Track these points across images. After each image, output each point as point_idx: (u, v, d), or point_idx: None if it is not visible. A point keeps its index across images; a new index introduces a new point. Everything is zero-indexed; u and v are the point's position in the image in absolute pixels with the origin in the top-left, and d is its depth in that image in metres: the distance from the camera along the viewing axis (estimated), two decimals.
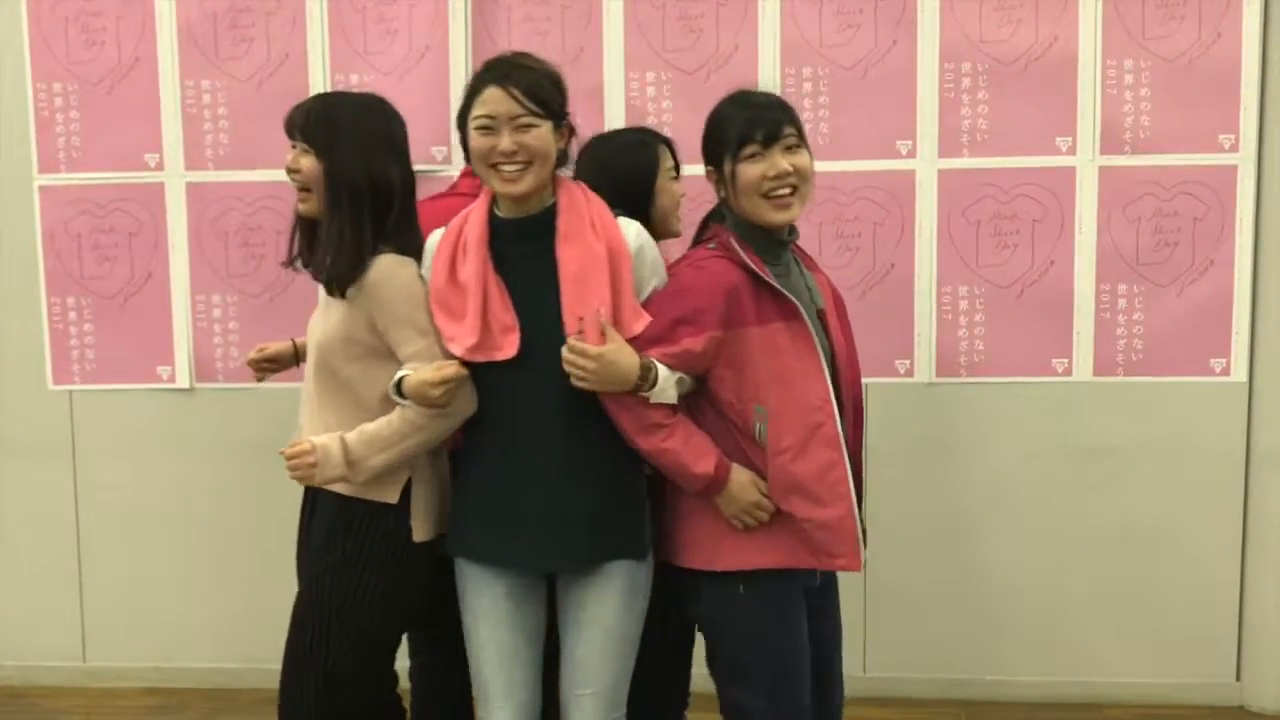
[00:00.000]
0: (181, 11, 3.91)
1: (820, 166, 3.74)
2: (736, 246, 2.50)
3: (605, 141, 2.88)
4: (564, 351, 2.40)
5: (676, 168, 2.86)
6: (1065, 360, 3.84)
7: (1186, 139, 3.74)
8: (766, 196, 2.47)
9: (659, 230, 2.75)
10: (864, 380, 3.83)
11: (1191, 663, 3.93)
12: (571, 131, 2.58)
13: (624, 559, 2.54)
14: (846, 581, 3.83)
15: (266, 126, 3.89)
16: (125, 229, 4.00)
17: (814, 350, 2.50)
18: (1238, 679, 3.93)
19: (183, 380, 4.04)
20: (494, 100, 2.45)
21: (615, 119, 3.76)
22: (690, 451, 2.48)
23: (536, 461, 2.51)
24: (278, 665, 3.97)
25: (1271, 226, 3.75)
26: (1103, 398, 3.84)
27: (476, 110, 2.48)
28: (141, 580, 4.14)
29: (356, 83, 3.85)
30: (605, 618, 2.55)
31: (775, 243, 2.56)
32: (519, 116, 2.44)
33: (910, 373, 3.87)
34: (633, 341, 2.44)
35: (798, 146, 2.50)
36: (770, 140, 2.46)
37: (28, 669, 4.21)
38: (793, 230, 2.58)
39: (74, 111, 3.98)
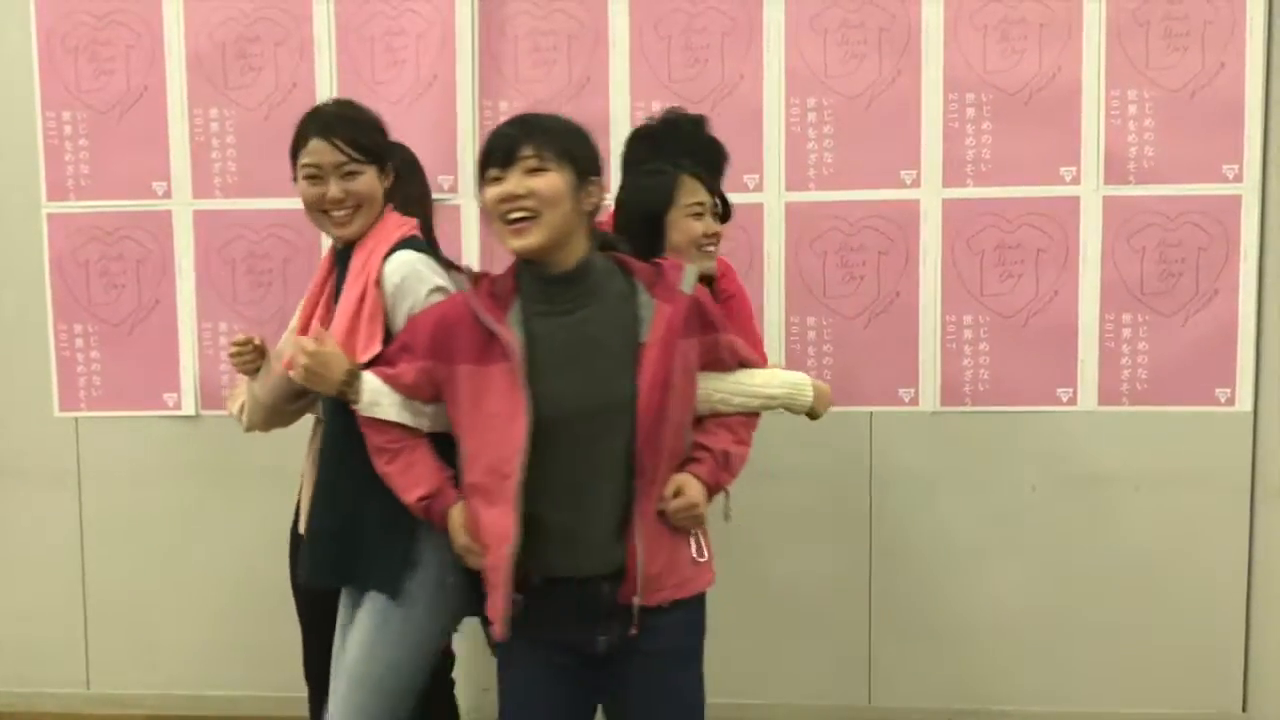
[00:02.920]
0: (190, 41, 3.94)
1: (825, 196, 3.81)
2: (469, 279, 2.44)
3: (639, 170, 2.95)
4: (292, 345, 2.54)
5: (720, 205, 2.90)
6: (1070, 390, 3.84)
7: (1190, 169, 3.75)
8: (503, 220, 2.34)
9: None
10: (869, 408, 3.87)
11: (1198, 693, 3.91)
12: (396, 171, 2.72)
13: (376, 590, 2.57)
14: (850, 609, 3.85)
15: (274, 155, 3.88)
16: (133, 256, 4.02)
17: (521, 396, 2.32)
18: (1244, 710, 3.91)
19: (189, 407, 4.05)
20: (318, 151, 2.62)
21: (620, 149, 3.77)
22: (404, 479, 2.49)
23: (318, 477, 2.65)
24: (282, 692, 4.00)
25: (1276, 256, 3.75)
26: (1107, 427, 3.84)
27: (303, 159, 2.65)
28: (146, 607, 4.13)
29: None
30: (353, 647, 2.58)
31: (544, 278, 2.38)
32: (344, 164, 2.60)
33: (915, 401, 3.87)
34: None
35: (540, 170, 2.32)
36: (508, 162, 2.33)
37: (31, 695, 4.20)
38: (585, 268, 2.38)
39: (83, 140, 4.00)
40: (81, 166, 4.00)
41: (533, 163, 2.32)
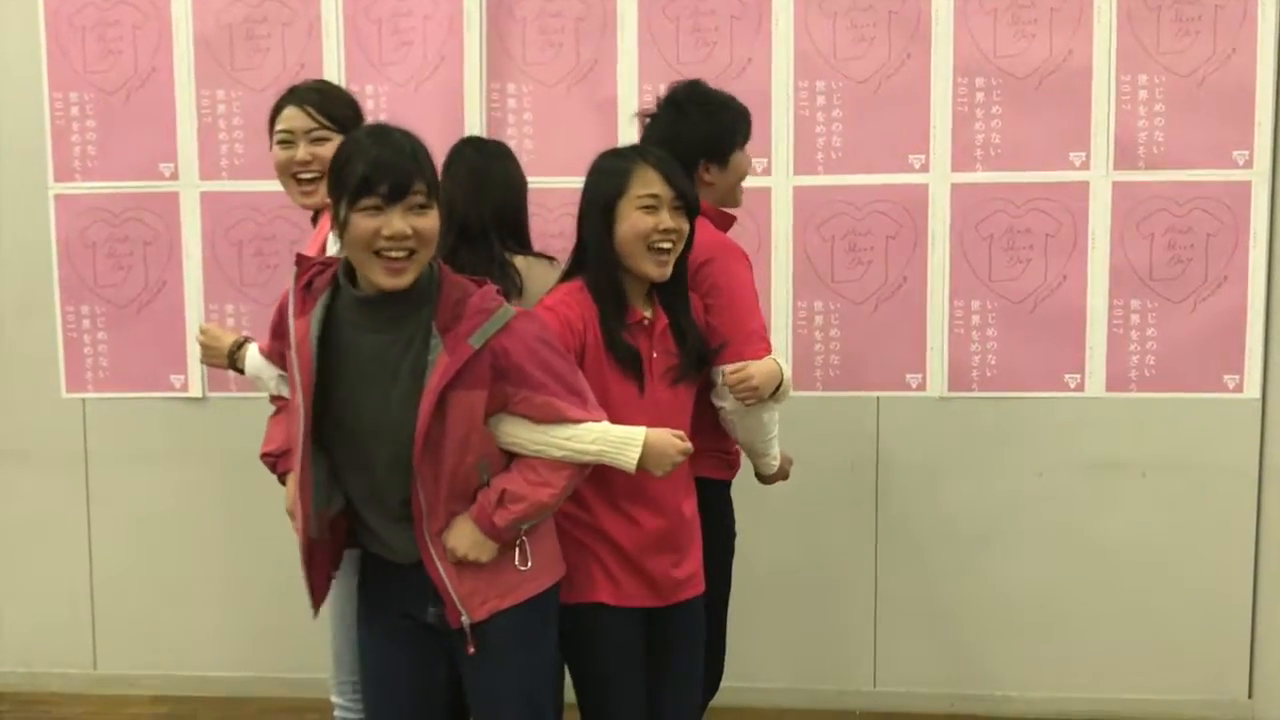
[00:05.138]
0: (198, 22, 3.93)
1: (833, 180, 3.81)
2: (295, 263, 2.42)
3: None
4: None
5: (683, 200, 2.69)
6: (1078, 375, 3.83)
7: (1200, 154, 3.74)
8: (375, 254, 2.23)
9: None
10: (876, 393, 3.88)
11: (1203, 680, 3.91)
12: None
13: None
14: (856, 593, 3.85)
15: (272, 146, 3.91)
16: (140, 238, 4.02)
17: (302, 393, 2.30)
18: (1250, 696, 3.91)
19: (195, 389, 4.05)
20: (291, 117, 2.81)
21: (629, 132, 3.76)
22: (268, 433, 2.68)
23: None
24: (287, 674, 4.01)
25: None
26: (1115, 413, 3.84)
27: (278, 126, 2.83)
28: (152, 588, 4.14)
29: (372, 93, 3.86)
30: None
31: (357, 296, 2.31)
32: (313, 130, 2.78)
33: (922, 386, 3.87)
34: None
35: (425, 208, 2.24)
36: (396, 196, 2.21)
37: (38, 675, 4.22)
38: (400, 292, 2.27)
39: (90, 120, 3.99)
40: (89, 148, 4.00)
41: (420, 199, 2.23)
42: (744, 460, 3.08)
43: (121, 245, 4.03)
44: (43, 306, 4.07)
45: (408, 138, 2.28)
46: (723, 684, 3.19)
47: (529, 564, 2.43)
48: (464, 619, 2.36)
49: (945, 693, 3.98)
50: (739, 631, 3.25)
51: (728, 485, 3.05)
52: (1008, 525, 3.91)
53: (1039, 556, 3.91)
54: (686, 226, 2.65)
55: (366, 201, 2.20)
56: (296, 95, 2.85)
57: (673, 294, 2.71)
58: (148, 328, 4.04)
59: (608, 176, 2.65)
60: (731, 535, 3.10)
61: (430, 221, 2.25)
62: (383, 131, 2.30)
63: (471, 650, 2.37)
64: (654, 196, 2.60)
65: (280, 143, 2.82)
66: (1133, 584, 3.89)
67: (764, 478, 3.11)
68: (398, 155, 2.23)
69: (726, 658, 3.18)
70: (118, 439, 4.11)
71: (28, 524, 4.17)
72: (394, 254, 2.22)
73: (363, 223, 2.21)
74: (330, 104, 2.83)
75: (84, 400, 4.10)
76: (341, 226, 2.24)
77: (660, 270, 2.62)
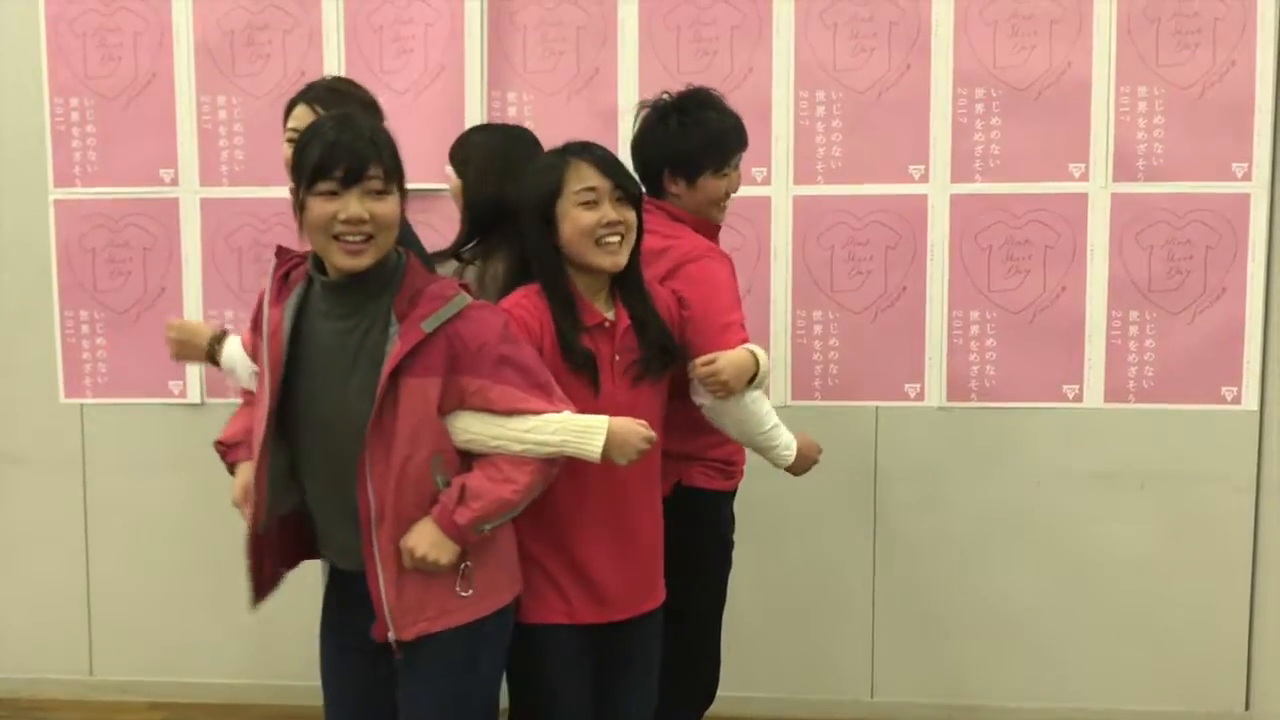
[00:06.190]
0: (199, 28, 3.93)
1: (833, 190, 3.81)
2: (276, 254, 2.46)
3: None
4: None
5: (621, 191, 2.62)
6: (1076, 386, 3.84)
7: (1199, 167, 3.74)
8: (333, 238, 2.25)
9: None
10: (875, 403, 3.87)
11: (1200, 691, 3.91)
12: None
13: None
14: (854, 604, 3.84)
15: (281, 143, 3.91)
16: (139, 244, 4.02)
17: (269, 384, 2.31)
18: (1247, 709, 3.91)
19: (194, 395, 4.05)
20: (301, 116, 2.85)
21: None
22: (230, 422, 2.69)
23: None
24: (283, 681, 4.00)
25: None
26: (1113, 424, 3.84)
27: (289, 124, 2.87)
28: (149, 595, 4.14)
29: None
30: None
31: (324, 282, 2.33)
32: None
33: (921, 396, 3.87)
34: None
35: (383, 193, 2.25)
36: (352, 180, 2.22)
37: (35, 681, 4.21)
38: (363, 277, 2.28)
39: (90, 126, 3.99)
40: (89, 153, 4.00)
41: (377, 184, 2.23)
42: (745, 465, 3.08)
43: (121, 251, 4.03)
44: (42, 312, 4.07)
45: (369, 124, 2.31)
46: (719, 694, 3.19)
47: (470, 591, 2.37)
48: (390, 635, 2.31)
49: (943, 703, 3.98)
50: (736, 642, 3.25)
51: (726, 496, 3.02)
52: (1006, 536, 3.91)
53: (1037, 567, 3.91)
54: (633, 217, 2.59)
55: (323, 185, 2.21)
56: (310, 93, 2.86)
57: (631, 289, 2.65)
58: (146, 334, 4.04)
59: (541, 176, 2.60)
60: (727, 547, 3.07)
61: (388, 207, 2.25)
62: (344, 117, 2.32)
63: (398, 659, 2.34)
64: (591, 190, 2.55)
65: (290, 140, 2.82)
66: (1130, 595, 3.89)
67: (790, 469, 3.00)
68: (356, 139, 2.23)
69: (723, 668, 3.17)
70: (116, 445, 4.10)
71: (25, 530, 4.17)
72: (351, 238, 2.23)
73: (319, 206, 2.22)
74: (343, 103, 2.78)
75: (82, 406, 4.10)
76: (300, 211, 2.25)
77: (613, 259, 2.56)
